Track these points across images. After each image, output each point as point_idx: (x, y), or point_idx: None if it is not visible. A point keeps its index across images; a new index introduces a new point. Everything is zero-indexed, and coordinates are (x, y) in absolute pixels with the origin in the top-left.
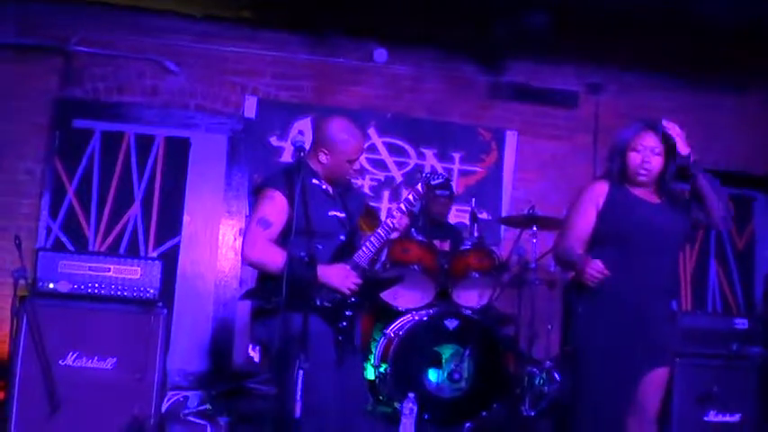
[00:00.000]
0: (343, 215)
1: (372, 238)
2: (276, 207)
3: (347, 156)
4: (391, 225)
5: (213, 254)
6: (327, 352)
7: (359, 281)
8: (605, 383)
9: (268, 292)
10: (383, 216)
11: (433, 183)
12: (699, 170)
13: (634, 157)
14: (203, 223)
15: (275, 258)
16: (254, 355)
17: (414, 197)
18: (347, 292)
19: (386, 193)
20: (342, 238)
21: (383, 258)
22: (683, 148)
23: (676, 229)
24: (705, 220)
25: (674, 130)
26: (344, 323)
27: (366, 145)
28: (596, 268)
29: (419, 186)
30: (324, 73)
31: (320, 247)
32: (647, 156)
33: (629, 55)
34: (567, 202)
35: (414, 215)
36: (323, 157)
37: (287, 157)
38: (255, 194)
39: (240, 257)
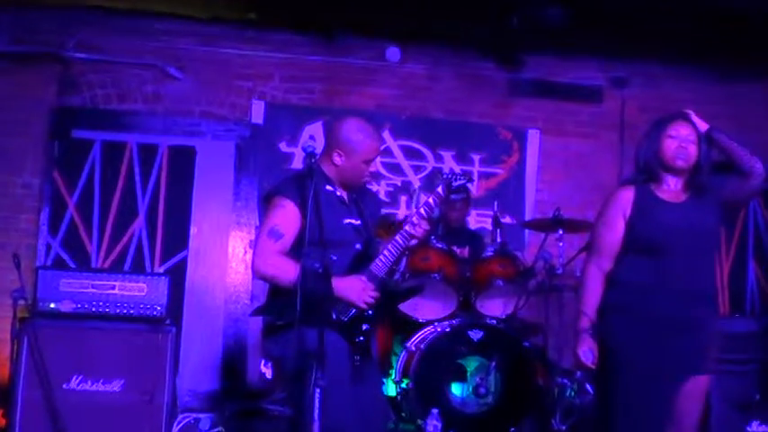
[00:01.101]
0: (358, 222)
1: (390, 247)
2: (287, 216)
3: (363, 156)
4: (410, 232)
5: (222, 268)
6: (343, 368)
7: (376, 294)
8: (641, 395)
9: (280, 307)
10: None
11: (454, 185)
12: (714, 132)
13: (670, 144)
14: (211, 236)
15: (288, 271)
16: (267, 371)
17: (434, 201)
18: (364, 306)
19: (403, 199)
20: (358, 247)
21: (401, 268)
22: (701, 125)
23: (707, 227)
24: (740, 189)
25: (692, 115)
26: (361, 338)
27: (381, 148)
28: (584, 358)
29: (439, 189)
30: (334, 74)
31: (335, 258)
32: (683, 142)
33: (654, 46)
34: (593, 203)
35: (433, 221)
36: (338, 159)
37: (297, 163)
38: (265, 203)
39: (251, 271)
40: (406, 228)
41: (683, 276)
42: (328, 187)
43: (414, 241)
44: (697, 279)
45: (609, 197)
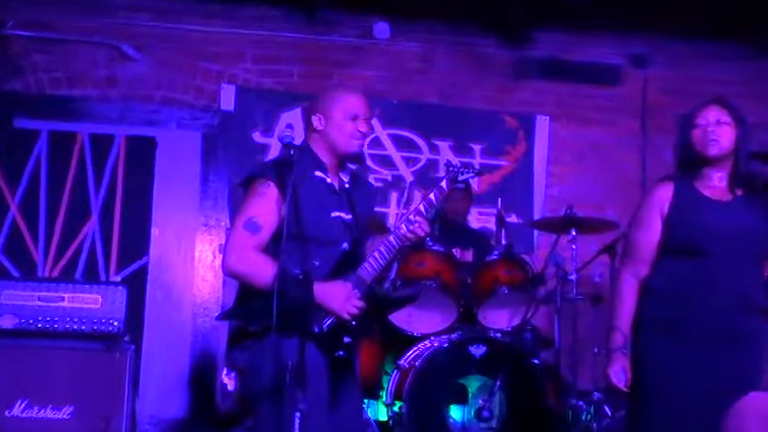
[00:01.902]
0: (349, 217)
1: (382, 248)
2: (268, 205)
3: (345, 110)
4: (407, 232)
5: (189, 276)
6: (320, 388)
7: (361, 304)
8: (682, 421)
9: (251, 311)
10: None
11: (461, 178)
12: None
13: (695, 135)
14: (175, 239)
15: (264, 270)
16: (229, 382)
17: (436, 197)
18: (347, 316)
19: (394, 196)
20: (345, 246)
21: (392, 275)
22: None
23: (756, 230)
24: None
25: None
26: (342, 352)
27: (369, 138)
28: (616, 379)
29: (443, 183)
30: (315, 54)
31: (317, 263)
32: (709, 126)
33: (679, 19)
34: (611, 199)
35: (432, 220)
36: (318, 123)
37: (273, 155)
38: (244, 188)
39: (221, 268)
40: (402, 227)
41: (728, 282)
42: (317, 173)
43: (412, 240)
44: (743, 285)
45: (645, 196)
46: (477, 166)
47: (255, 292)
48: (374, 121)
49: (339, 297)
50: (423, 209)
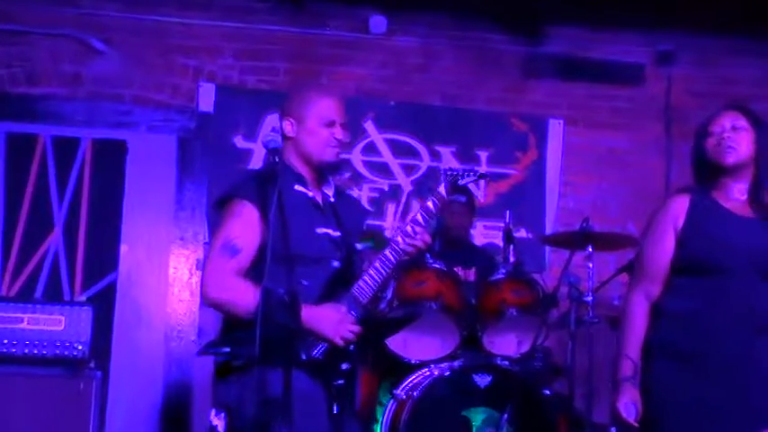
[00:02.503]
0: (336, 234)
1: (378, 264)
2: (246, 226)
3: (318, 115)
4: (406, 246)
5: (162, 295)
6: (318, 421)
7: (356, 328)
8: None
9: (236, 342)
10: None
11: (462, 182)
12: None
13: (709, 144)
14: (147, 254)
15: (246, 297)
16: (218, 423)
17: (434, 204)
18: (341, 342)
19: (390, 208)
20: (335, 264)
21: (388, 295)
22: None
23: None
24: None
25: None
26: (340, 380)
27: (363, 143)
28: (625, 413)
29: (441, 189)
30: (303, 50)
31: (306, 283)
32: (725, 133)
33: (709, 13)
34: (632, 212)
35: (432, 232)
36: (289, 128)
37: (257, 162)
38: (219, 209)
39: (199, 296)
40: (399, 240)
41: (747, 305)
42: (297, 187)
43: (412, 253)
44: (764, 309)
45: (658, 209)
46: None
47: (239, 321)
48: (369, 125)
49: (331, 321)
50: (420, 219)
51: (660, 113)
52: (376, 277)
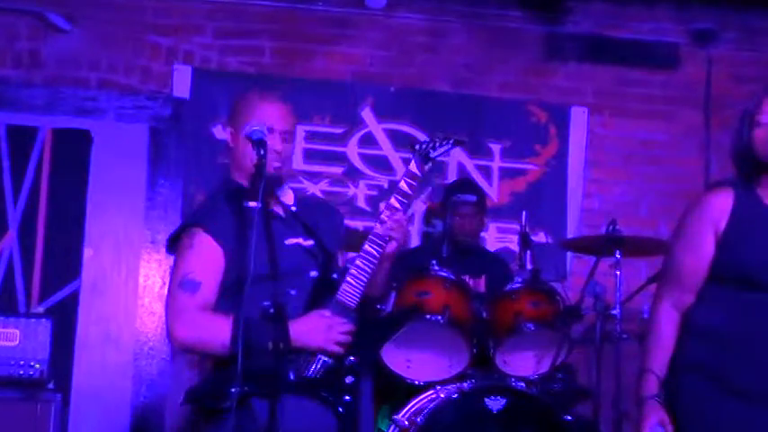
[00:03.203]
0: (309, 243)
1: (359, 262)
2: (202, 255)
3: (259, 122)
4: (384, 233)
5: (130, 306)
6: None
7: (349, 327)
8: None
9: (220, 383)
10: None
11: (434, 154)
12: None
13: (757, 136)
14: (115, 259)
15: (218, 332)
16: None
17: (408, 184)
18: (336, 348)
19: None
20: (313, 274)
21: (388, 307)
22: None
23: None
24: None
25: None
26: (347, 397)
27: (360, 134)
28: None
29: (412, 166)
30: (292, 27)
31: (293, 293)
32: None
33: None
34: (666, 213)
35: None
36: (230, 138)
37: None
38: (171, 246)
39: (169, 341)
40: (376, 229)
41: None
42: (252, 204)
43: (391, 247)
44: None
45: (693, 204)
46: (492, 172)
47: (219, 359)
48: (366, 113)
49: (318, 329)
50: (396, 203)
51: (698, 101)
52: (361, 277)
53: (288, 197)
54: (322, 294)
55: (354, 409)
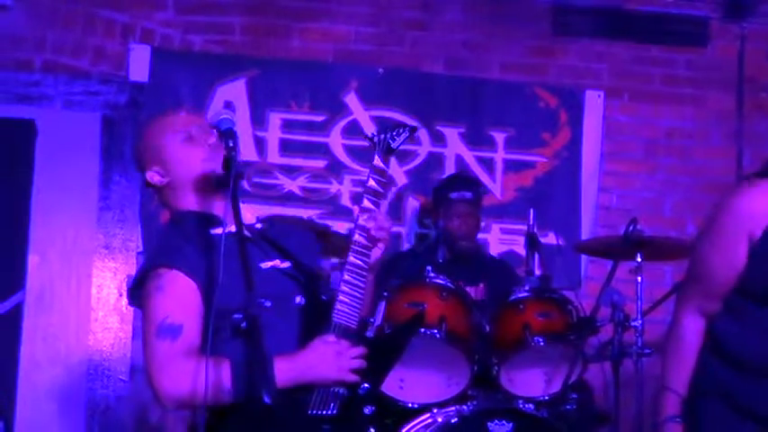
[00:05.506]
0: (286, 264)
1: (347, 276)
2: (175, 295)
3: (173, 138)
4: (365, 240)
5: (82, 320)
6: None
7: (360, 350)
8: None
9: None
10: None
11: (395, 145)
12: None
13: None
14: (64, 267)
15: (215, 378)
16: None
17: (375, 180)
18: (352, 377)
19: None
20: (299, 300)
21: (378, 321)
22: None
23: None
24: None
25: None
26: (372, 429)
27: (344, 123)
28: None
29: (376, 161)
30: (265, 1)
31: (268, 304)
32: None
33: None
34: (694, 212)
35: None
36: (158, 177)
37: None
38: (135, 291)
39: (160, 399)
40: (357, 237)
41: None
42: (214, 231)
43: (379, 251)
44: None
45: (725, 200)
46: (495, 164)
47: (219, 408)
48: (351, 98)
49: (327, 359)
50: (368, 203)
51: (730, 82)
52: (354, 292)
53: (246, 214)
54: (316, 321)
55: None
